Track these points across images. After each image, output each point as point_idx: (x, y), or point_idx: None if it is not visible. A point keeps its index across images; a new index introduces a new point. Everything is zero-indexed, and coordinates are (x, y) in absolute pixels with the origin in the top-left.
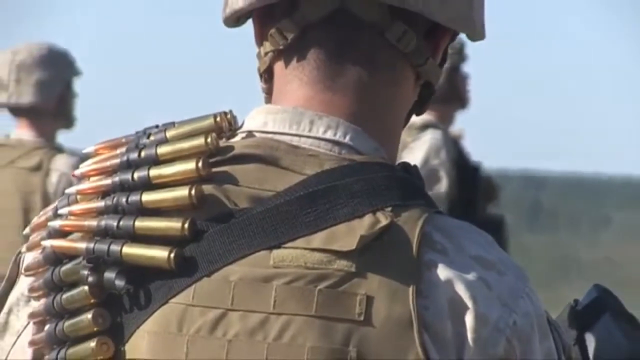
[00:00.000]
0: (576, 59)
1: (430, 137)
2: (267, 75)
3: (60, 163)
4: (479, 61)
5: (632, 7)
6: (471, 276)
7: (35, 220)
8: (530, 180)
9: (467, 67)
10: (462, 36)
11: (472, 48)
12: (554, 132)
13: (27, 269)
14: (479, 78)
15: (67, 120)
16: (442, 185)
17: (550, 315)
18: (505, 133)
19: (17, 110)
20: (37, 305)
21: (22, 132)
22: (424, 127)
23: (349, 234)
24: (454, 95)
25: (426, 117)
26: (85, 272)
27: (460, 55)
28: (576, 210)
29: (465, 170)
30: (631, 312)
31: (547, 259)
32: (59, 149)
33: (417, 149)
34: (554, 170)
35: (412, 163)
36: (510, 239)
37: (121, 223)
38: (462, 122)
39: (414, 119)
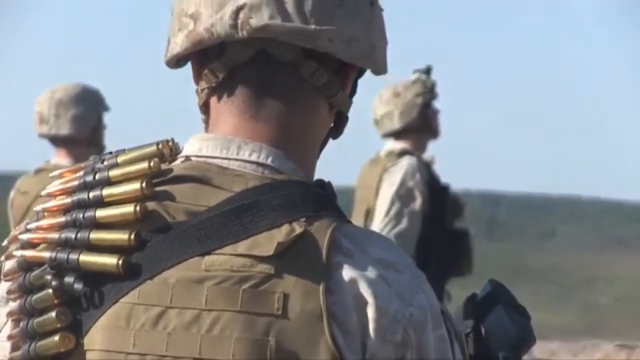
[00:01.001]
0: (533, 84)
1: (406, 162)
2: (205, 108)
3: None
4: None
5: None
6: (373, 275)
7: (12, 233)
8: (488, 198)
9: (438, 103)
10: (434, 76)
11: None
12: (507, 158)
13: (5, 275)
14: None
15: (98, 148)
16: (417, 203)
17: (444, 307)
18: (468, 159)
19: (56, 140)
20: (13, 305)
21: (60, 159)
22: (402, 153)
23: (268, 242)
24: (426, 127)
25: (403, 145)
26: (49, 277)
27: (432, 94)
28: (526, 224)
29: (436, 190)
30: (575, 309)
31: (502, 265)
32: None
33: (395, 172)
34: (507, 191)
35: (391, 187)
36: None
37: (78, 235)
38: (433, 150)
39: (392, 146)
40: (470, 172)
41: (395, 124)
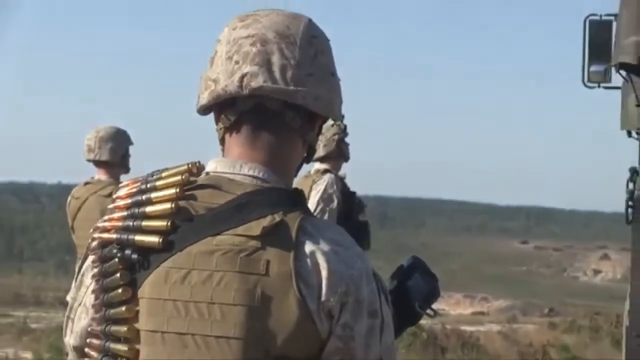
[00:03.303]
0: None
1: (327, 177)
2: (222, 141)
3: None
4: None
5: None
6: (327, 249)
7: (96, 224)
8: (380, 200)
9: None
10: (344, 120)
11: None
12: (392, 174)
13: (91, 250)
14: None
15: (126, 169)
16: (334, 204)
17: (375, 271)
18: (367, 174)
19: (98, 163)
20: (95, 271)
21: (100, 175)
22: (324, 172)
23: (257, 226)
24: (340, 155)
25: (325, 166)
26: (116, 251)
27: (344, 133)
28: (405, 217)
29: (347, 195)
30: (437, 272)
31: (389, 245)
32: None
33: (320, 184)
34: (393, 195)
35: (317, 193)
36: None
37: (134, 223)
38: (345, 168)
39: (318, 167)
40: (368, 183)
41: (320, 152)
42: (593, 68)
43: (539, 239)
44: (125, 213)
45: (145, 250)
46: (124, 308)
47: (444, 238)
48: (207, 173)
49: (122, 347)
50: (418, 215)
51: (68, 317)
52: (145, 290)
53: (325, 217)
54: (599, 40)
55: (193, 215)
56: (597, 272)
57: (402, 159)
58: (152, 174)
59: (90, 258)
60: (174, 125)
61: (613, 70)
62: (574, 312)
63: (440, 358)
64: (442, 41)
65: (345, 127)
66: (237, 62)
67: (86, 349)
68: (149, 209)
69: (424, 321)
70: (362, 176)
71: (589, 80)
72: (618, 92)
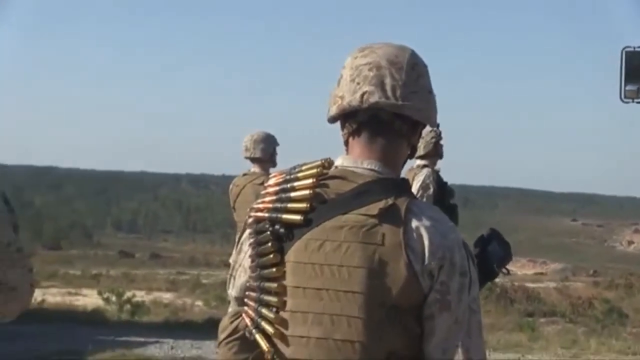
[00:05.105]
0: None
1: (426, 171)
2: (346, 143)
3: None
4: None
5: None
6: (428, 224)
7: (252, 205)
8: (463, 188)
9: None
10: (440, 127)
11: None
12: (472, 168)
13: (248, 225)
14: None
15: (273, 164)
16: (431, 191)
17: (464, 240)
18: (452, 169)
19: (253, 160)
20: (251, 240)
21: (254, 169)
22: (424, 166)
23: (375, 208)
24: (436, 154)
25: (425, 162)
26: (267, 226)
27: (439, 136)
28: (482, 201)
29: (440, 185)
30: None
31: (470, 222)
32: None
33: (420, 175)
34: (472, 184)
35: (418, 182)
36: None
37: (281, 205)
38: (440, 164)
39: (419, 162)
40: (454, 175)
41: (421, 151)
42: (628, 87)
43: (586, 218)
44: (274, 197)
45: (290, 226)
46: (274, 269)
47: (512, 216)
48: (336, 167)
49: (273, 299)
50: (492, 199)
51: (231, 275)
52: (291, 255)
53: (424, 200)
54: (632, 66)
55: (326, 199)
56: (630, 242)
57: (481, 156)
58: (294, 168)
59: (248, 231)
60: (312, 132)
61: None
62: (612, 273)
63: (509, 307)
64: (500, 72)
65: (440, 132)
66: (358, 83)
67: (245, 300)
68: (292, 194)
69: (497, 279)
70: (450, 169)
71: (625, 97)
72: None
